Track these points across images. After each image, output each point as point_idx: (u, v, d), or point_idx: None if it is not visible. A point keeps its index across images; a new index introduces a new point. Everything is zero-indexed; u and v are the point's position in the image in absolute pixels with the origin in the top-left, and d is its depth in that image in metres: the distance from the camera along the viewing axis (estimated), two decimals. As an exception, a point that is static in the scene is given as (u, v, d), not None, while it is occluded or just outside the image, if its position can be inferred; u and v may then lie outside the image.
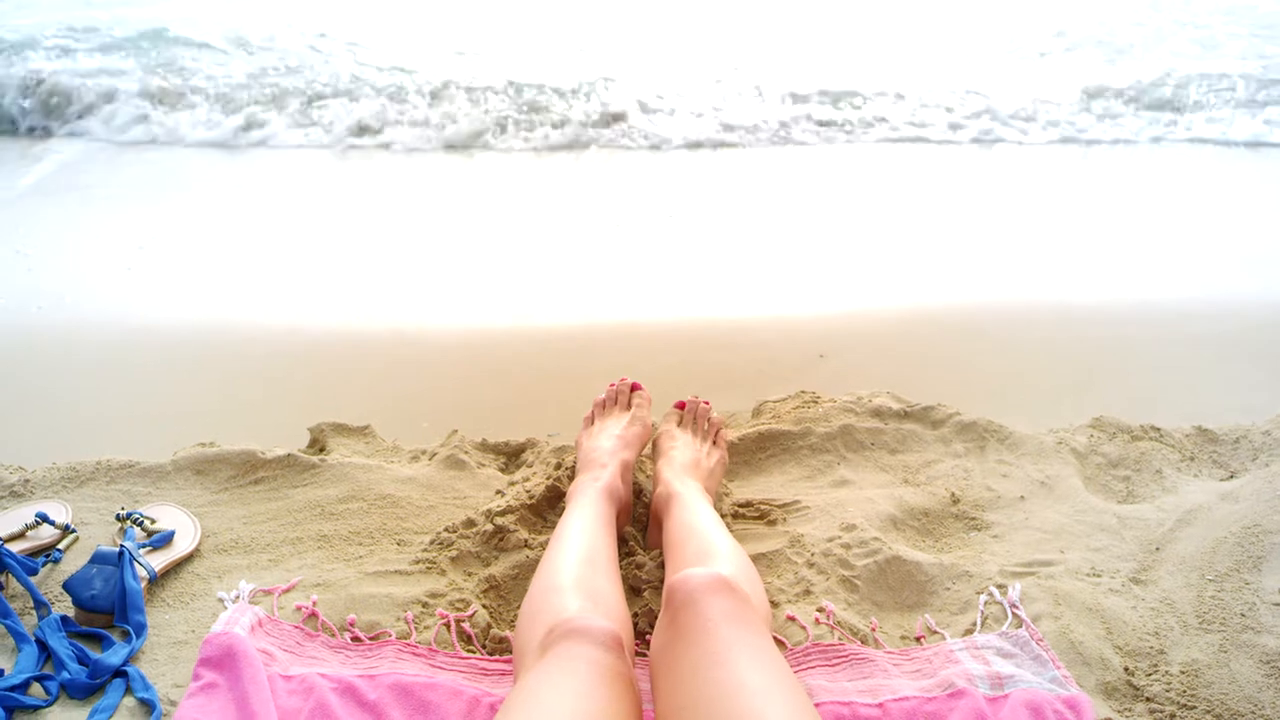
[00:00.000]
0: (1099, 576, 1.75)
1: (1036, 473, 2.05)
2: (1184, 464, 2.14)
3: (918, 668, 1.56)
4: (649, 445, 2.05)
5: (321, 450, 2.17)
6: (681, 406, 2.10)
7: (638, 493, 1.93)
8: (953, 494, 1.98)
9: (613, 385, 2.10)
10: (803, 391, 2.37)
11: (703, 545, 1.52)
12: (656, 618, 1.61)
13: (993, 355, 2.86)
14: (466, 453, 2.13)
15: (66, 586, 1.63)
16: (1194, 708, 1.49)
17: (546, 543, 1.77)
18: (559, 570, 1.50)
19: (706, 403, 2.09)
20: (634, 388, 2.09)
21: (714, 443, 2.04)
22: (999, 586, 1.72)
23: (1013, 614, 1.66)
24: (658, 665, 1.26)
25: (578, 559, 1.53)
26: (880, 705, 1.46)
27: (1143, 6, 7.28)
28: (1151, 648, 1.59)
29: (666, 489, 1.79)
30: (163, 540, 1.78)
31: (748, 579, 1.43)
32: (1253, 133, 4.94)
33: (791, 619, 1.65)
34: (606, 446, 1.93)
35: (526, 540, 1.80)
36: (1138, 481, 2.08)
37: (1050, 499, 1.97)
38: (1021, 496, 1.98)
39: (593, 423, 2.05)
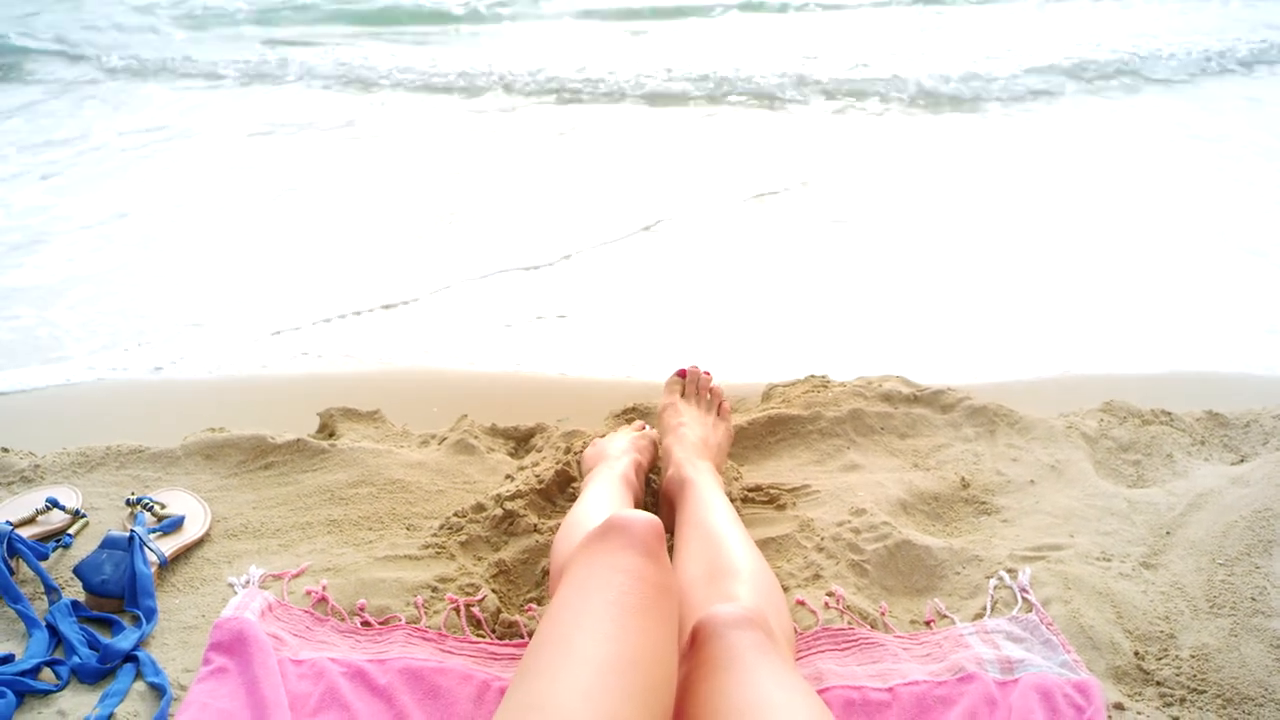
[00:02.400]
0: (1109, 561, 1.75)
1: (1046, 457, 2.04)
2: (1194, 448, 2.13)
3: (927, 652, 1.56)
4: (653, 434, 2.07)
5: (331, 435, 2.17)
6: (683, 375, 2.09)
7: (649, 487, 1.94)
8: (962, 478, 1.98)
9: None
10: (812, 375, 2.36)
11: (721, 559, 1.48)
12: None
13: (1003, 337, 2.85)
14: (476, 437, 2.13)
15: (77, 571, 1.64)
16: (1204, 692, 1.48)
17: (556, 528, 1.77)
18: (586, 514, 1.52)
19: (708, 373, 2.09)
20: (641, 426, 2.12)
21: (718, 413, 2.04)
22: (1009, 571, 1.72)
23: (1022, 598, 1.66)
24: (680, 696, 1.25)
25: (600, 510, 1.55)
26: (890, 689, 1.46)
27: None
28: (1162, 632, 1.59)
29: (679, 472, 1.79)
30: (173, 525, 1.78)
31: (769, 599, 1.40)
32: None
33: (801, 603, 1.65)
34: (620, 444, 1.95)
35: (536, 525, 1.80)
36: (1148, 465, 2.07)
37: (1060, 483, 1.97)
38: (1031, 481, 1.98)
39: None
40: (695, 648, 1.25)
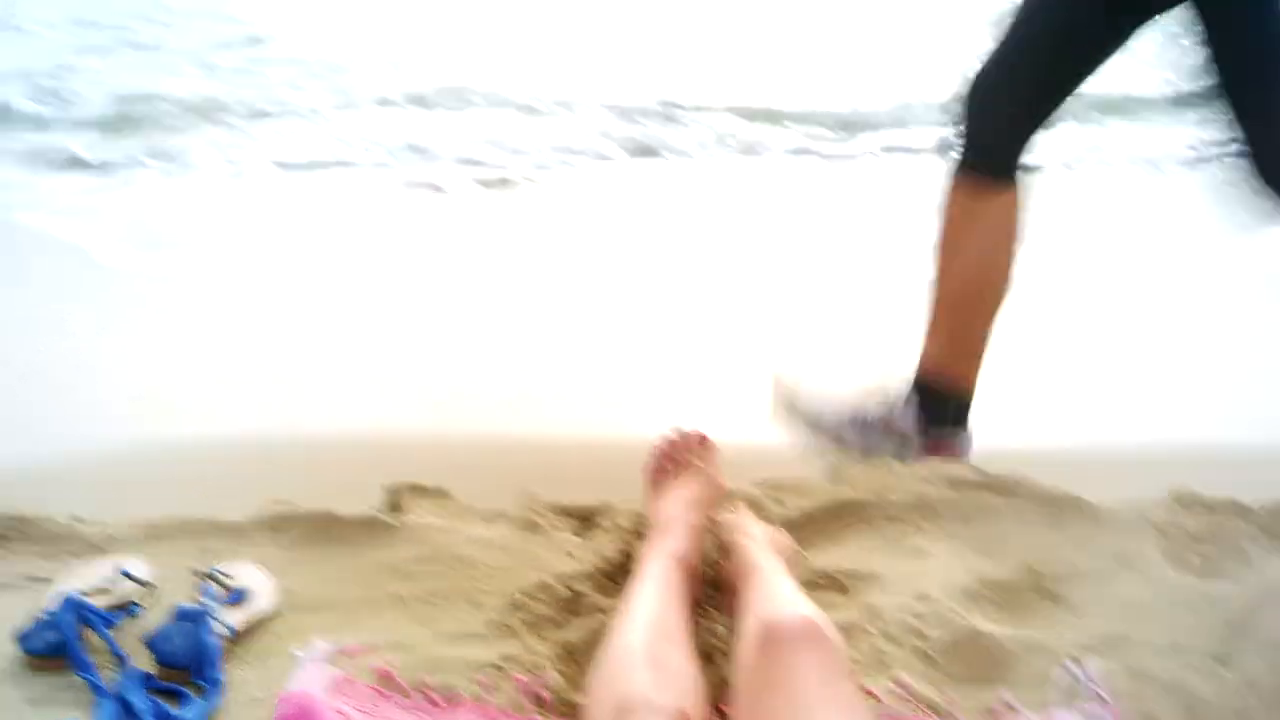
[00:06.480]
0: (1180, 654, 1.72)
1: (1116, 546, 2.02)
2: (1268, 541, 2.10)
3: (996, 742, 1.55)
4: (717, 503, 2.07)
5: (397, 510, 2.18)
6: None
7: (709, 563, 1.93)
8: (1030, 566, 1.96)
9: (675, 438, 2.14)
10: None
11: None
12: (727, 684, 1.61)
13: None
14: (541, 515, 2.14)
15: (147, 642, 1.65)
16: (1277, 791, 1.46)
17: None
18: (629, 641, 1.49)
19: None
20: (701, 440, 2.10)
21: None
22: (1076, 661, 1.70)
23: (1091, 690, 1.64)
24: (741, 703, 1.27)
25: (647, 627, 1.53)
26: (959, 779, 1.45)
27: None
28: (1234, 729, 1.56)
29: (747, 559, 1.77)
30: (240, 598, 1.80)
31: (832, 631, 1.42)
32: None
33: (869, 693, 1.63)
34: (674, 511, 1.94)
35: (600, 605, 1.80)
36: (1220, 558, 2.04)
37: (1130, 573, 1.95)
38: (1100, 570, 1.96)
39: (657, 476, 2.08)
40: (760, 655, 1.30)
